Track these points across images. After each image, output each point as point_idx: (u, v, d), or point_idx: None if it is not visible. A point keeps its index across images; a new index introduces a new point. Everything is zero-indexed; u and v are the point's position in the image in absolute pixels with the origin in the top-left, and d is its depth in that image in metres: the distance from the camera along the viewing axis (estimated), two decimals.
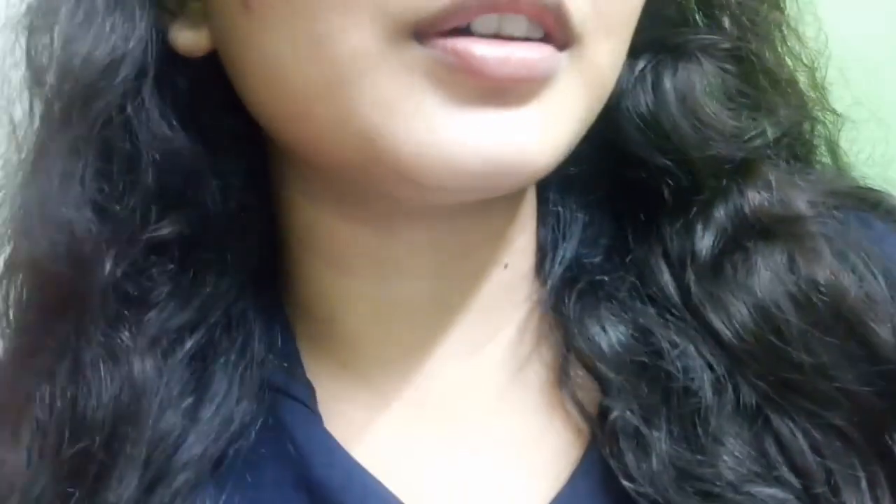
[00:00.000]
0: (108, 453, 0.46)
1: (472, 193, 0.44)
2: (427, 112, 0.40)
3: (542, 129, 0.41)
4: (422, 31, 0.39)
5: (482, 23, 0.39)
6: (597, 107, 0.45)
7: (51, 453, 0.46)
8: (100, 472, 0.46)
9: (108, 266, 0.46)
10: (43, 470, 0.46)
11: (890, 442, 0.45)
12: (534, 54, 0.40)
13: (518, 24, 0.40)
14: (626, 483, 0.45)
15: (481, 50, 0.39)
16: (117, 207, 0.46)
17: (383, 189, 0.44)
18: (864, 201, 0.51)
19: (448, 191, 0.42)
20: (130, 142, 0.46)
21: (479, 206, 0.46)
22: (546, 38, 0.40)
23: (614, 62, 0.44)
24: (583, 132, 0.44)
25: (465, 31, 0.39)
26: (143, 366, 0.47)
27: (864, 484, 0.44)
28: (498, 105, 0.40)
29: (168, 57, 0.46)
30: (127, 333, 0.47)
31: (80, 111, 0.45)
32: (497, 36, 0.40)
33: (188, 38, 0.46)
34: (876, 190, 0.52)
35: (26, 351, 0.48)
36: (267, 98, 0.44)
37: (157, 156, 0.46)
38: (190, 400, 0.48)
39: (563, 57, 0.41)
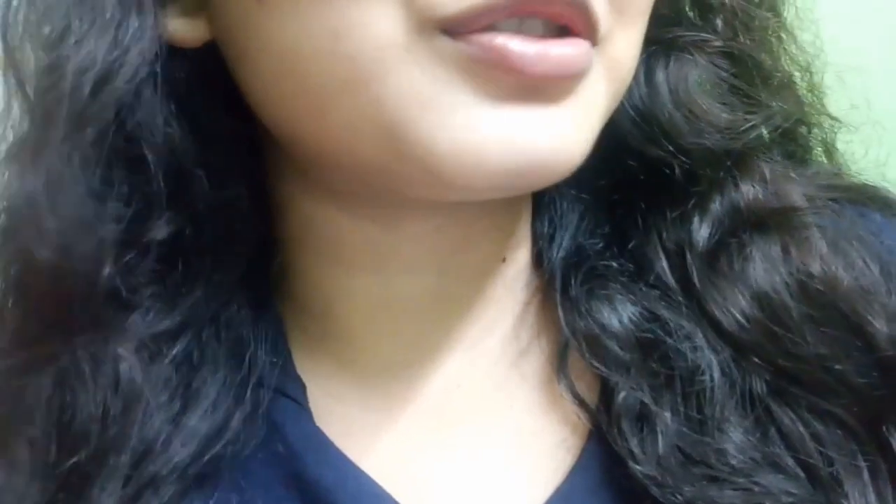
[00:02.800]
0: (92, 462, 0.45)
1: (498, 192, 0.43)
2: (465, 108, 0.38)
3: (577, 125, 0.41)
4: (450, 28, 0.38)
5: (506, 23, 0.38)
6: (615, 104, 0.44)
7: (41, 466, 0.45)
8: (83, 482, 0.45)
9: (107, 269, 0.44)
10: (33, 483, 0.45)
11: (887, 434, 0.45)
12: (570, 50, 0.39)
13: (536, 25, 0.39)
14: (631, 465, 0.44)
15: (518, 46, 0.38)
16: (119, 210, 0.44)
17: (402, 188, 0.42)
18: (861, 194, 0.51)
19: (475, 190, 0.41)
20: (134, 142, 0.44)
21: (482, 200, 0.45)
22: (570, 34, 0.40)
23: (633, 54, 0.44)
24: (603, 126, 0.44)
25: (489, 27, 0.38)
26: (129, 371, 0.45)
27: (866, 475, 0.44)
28: (535, 102, 0.39)
29: (164, 49, 0.44)
30: (113, 338, 0.46)
31: (83, 114, 0.42)
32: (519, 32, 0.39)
33: (183, 28, 0.44)
34: (873, 185, 0.52)
35: (10, 357, 0.46)
36: (278, 94, 0.42)
37: (158, 155, 0.45)
38: (178, 405, 0.47)
39: (593, 53, 0.41)
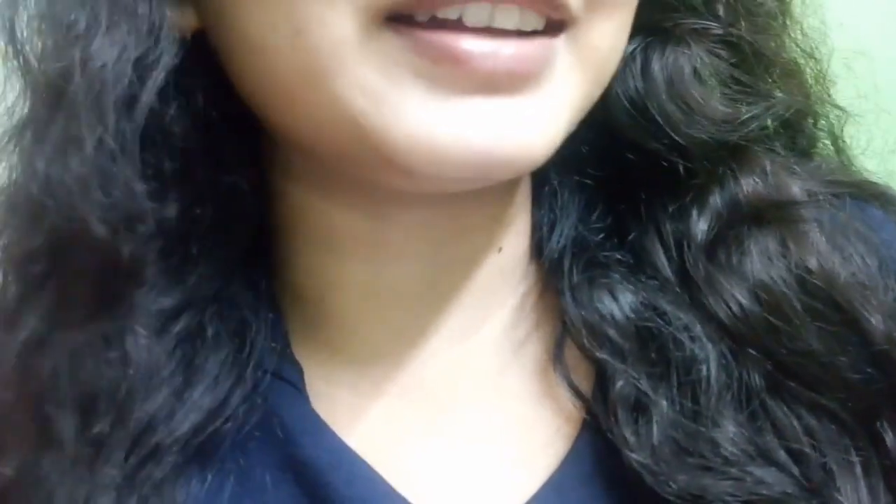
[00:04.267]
0: (100, 432, 0.45)
1: (466, 184, 0.43)
2: (415, 101, 0.39)
3: (539, 119, 0.40)
4: (400, 17, 0.38)
5: (474, 13, 0.39)
6: (595, 91, 0.44)
7: (56, 441, 0.45)
8: (94, 455, 0.45)
9: (128, 246, 0.44)
10: (49, 459, 0.45)
11: (881, 429, 0.45)
12: (526, 49, 0.39)
13: (510, 15, 0.39)
14: (626, 453, 0.44)
15: (467, 44, 0.38)
16: (133, 188, 0.44)
17: (374, 177, 0.43)
18: (863, 190, 0.51)
19: (441, 180, 0.41)
20: (136, 123, 0.43)
21: (474, 191, 0.45)
22: (539, 31, 0.40)
23: (615, 44, 0.44)
24: (580, 117, 0.44)
25: (454, 26, 0.39)
26: (135, 345, 0.46)
27: (858, 469, 0.44)
28: (493, 94, 0.39)
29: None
30: (124, 314, 0.46)
31: (90, 100, 0.42)
32: (488, 29, 0.39)
33: (173, 17, 0.44)
34: (875, 182, 0.52)
35: (12, 330, 0.46)
36: (254, 82, 0.43)
37: (162, 136, 0.45)
38: (179, 380, 0.47)
39: (559, 42, 0.40)
